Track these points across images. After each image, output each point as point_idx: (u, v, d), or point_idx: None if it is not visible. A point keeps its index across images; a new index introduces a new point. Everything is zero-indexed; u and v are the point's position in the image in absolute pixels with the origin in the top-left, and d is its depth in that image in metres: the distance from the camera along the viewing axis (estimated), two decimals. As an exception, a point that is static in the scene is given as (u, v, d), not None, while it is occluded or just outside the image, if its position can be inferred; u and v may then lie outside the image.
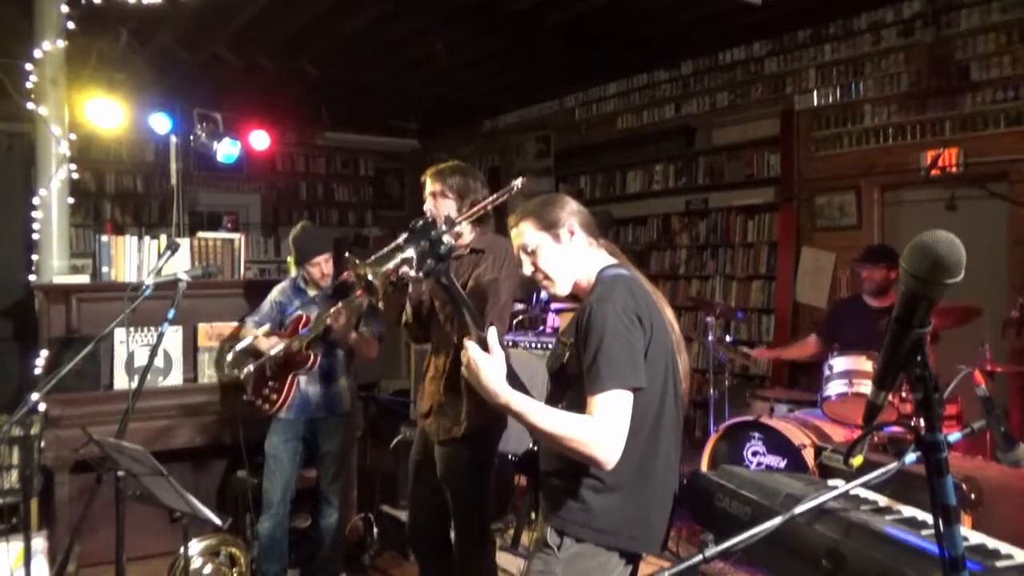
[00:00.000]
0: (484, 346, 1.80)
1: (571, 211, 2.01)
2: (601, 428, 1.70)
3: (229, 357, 3.62)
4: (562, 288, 2.00)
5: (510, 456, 1.79)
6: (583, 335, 1.80)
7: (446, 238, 2.01)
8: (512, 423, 2.07)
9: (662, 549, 1.96)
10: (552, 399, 1.91)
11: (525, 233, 2.01)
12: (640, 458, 1.82)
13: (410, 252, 1.97)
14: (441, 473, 2.75)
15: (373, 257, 2.02)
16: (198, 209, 8.89)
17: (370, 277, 1.97)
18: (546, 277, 2.01)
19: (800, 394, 4.95)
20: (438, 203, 2.72)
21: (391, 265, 1.98)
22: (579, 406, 1.76)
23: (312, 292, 3.67)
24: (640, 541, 1.85)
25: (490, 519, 2.90)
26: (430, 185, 2.76)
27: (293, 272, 3.96)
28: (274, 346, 3.43)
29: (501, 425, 2.79)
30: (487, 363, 1.77)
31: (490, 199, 2.38)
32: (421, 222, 1.99)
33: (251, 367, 3.44)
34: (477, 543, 2.78)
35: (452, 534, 2.82)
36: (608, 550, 1.82)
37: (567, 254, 1.99)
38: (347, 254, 2.45)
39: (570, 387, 1.87)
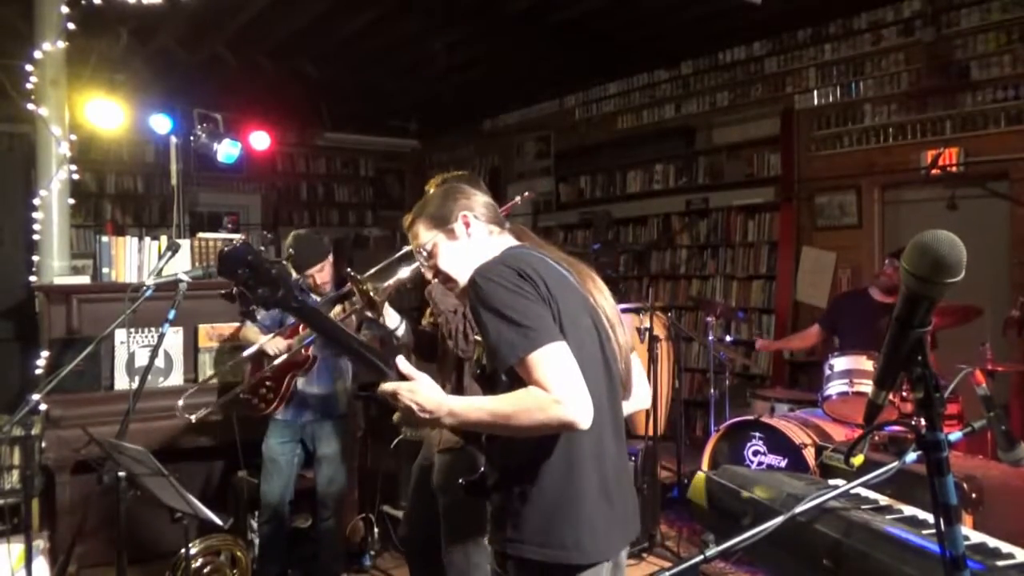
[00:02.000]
0: (403, 379, 1.62)
1: (464, 202, 1.82)
2: (551, 389, 1.48)
3: (229, 364, 3.61)
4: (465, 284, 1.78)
5: (460, 481, 1.70)
6: (475, 317, 1.62)
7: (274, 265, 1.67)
8: None
9: (650, 547, 1.87)
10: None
11: (419, 235, 1.84)
12: (565, 454, 1.61)
13: (406, 273, 1.93)
14: (437, 481, 2.75)
15: (373, 271, 2.03)
16: (198, 210, 8.89)
17: (372, 293, 1.98)
18: (448, 278, 1.83)
19: (801, 393, 4.95)
20: None
21: (391, 282, 1.97)
22: None
23: (314, 295, 3.66)
24: (585, 551, 1.60)
25: (483, 531, 2.87)
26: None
27: (293, 274, 3.95)
28: (280, 349, 3.44)
29: None
30: (417, 388, 1.59)
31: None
32: (227, 250, 1.59)
33: (247, 351, 3.42)
34: (468, 555, 2.74)
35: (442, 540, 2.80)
36: (552, 567, 1.60)
37: (465, 249, 1.80)
38: (349, 271, 2.46)
39: (498, 384, 1.65)
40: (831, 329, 4.58)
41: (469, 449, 2.19)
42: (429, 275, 1.90)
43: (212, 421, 3.96)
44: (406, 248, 1.94)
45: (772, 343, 5.59)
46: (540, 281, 1.61)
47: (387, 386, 1.62)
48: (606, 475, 1.66)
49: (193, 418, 3.11)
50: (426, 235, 1.83)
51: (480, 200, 1.86)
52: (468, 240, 1.81)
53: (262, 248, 1.66)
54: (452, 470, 2.69)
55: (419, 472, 2.92)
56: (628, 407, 1.88)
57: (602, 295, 1.79)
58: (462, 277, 1.80)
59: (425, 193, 2.72)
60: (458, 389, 2.68)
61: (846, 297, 4.84)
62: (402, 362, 1.63)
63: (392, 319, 2.72)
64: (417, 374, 1.63)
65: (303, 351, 3.45)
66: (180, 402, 3.13)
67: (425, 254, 1.84)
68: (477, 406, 1.59)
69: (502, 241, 1.83)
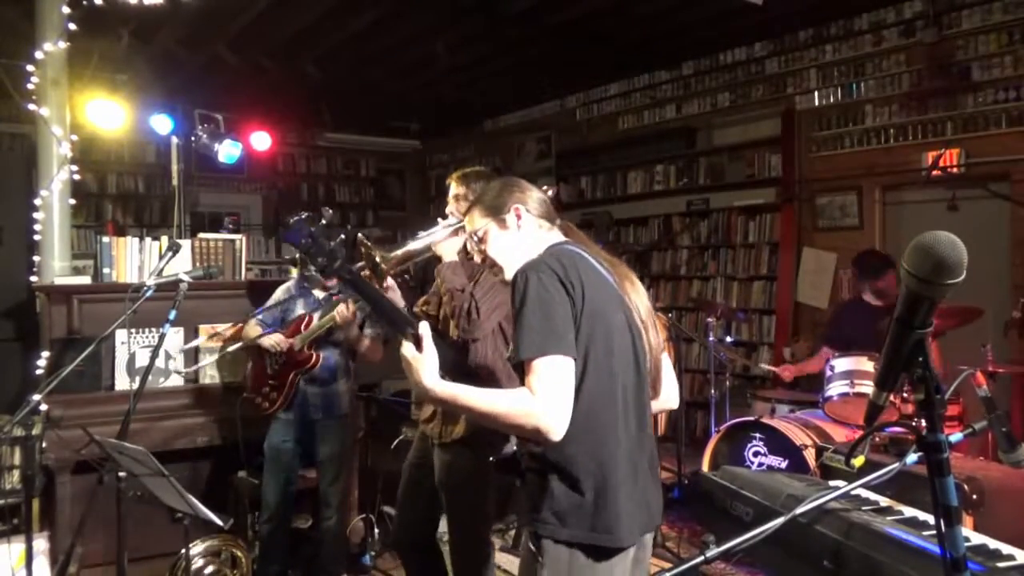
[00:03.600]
0: (419, 344, 1.73)
1: (519, 195, 1.95)
2: (538, 396, 1.61)
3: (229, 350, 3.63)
4: (511, 274, 1.87)
5: (490, 459, 1.73)
6: (512, 306, 1.74)
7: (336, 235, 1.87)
8: None
9: (655, 537, 1.90)
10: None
11: (473, 220, 1.98)
12: (594, 444, 1.72)
13: (417, 244, 1.98)
14: (440, 477, 2.72)
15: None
16: (199, 210, 8.90)
17: (378, 259, 2.01)
18: (494, 264, 1.96)
19: (801, 394, 4.94)
20: (460, 206, 2.72)
21: (399, 252, 1.99)
22: None
23: (317, 293, 3.67)
24: (615, 535, 1.72)
25: (488, 525, 2.87)
26: (454, 188, 2.78)
27: (295, 273, 3.96)
28: (280, 346, 3.45)
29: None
30: (417, 359, 1.70)
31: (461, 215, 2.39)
32: (301, 218, 1.83)
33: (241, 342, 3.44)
34: (474, 550, 2.74)
35: (447, 540, 2.78)
36: (584, 547, 1.71)
37: (513, 239, 1.92)
38: (359, 235, 2.48)
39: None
40: (838, 342, 4.56)
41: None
42: (478, 259, 2.02)
43: (212, 422, 3.97)
44: (431, 229, 2.00)
45: (795, 369, 5.39)
46: (578, 283, 1.72)
47: (406, 350, 1.73)
48: (636, 465, 1.78)
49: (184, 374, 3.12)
50: (480, 221, 1.97)
51: (534, 195, 1.97)
52: (518, 232, 1.93)
53: (326, 223, 1.82)
54: (455, 466, 2.69)
55: (411, 471, 2.88)
56: (656, 406, 1.97)
57: (638, 295, 1.90)
58: (508, 264, 1.93)
59: (446, 186, 2.79)
60: (455, 378, 2.67)
61: (844, 308, 4.81)
62: (424, 330, 1.73)
63: (394, 294, 2.74)
64: (429, 350, 1.72)
65: (305, 350, 3.45)
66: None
67: (476, 239, 1.97)
68: (467, 395, 1.69)
69: (550, 236, 1.94)
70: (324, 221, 1.85)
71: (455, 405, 1.72)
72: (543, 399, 1.60)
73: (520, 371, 1.69)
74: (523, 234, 1.92)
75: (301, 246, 1.76)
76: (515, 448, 1.91)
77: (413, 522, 2.87)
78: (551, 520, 1.73)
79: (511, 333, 2.51)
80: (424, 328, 1.74)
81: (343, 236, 1.84)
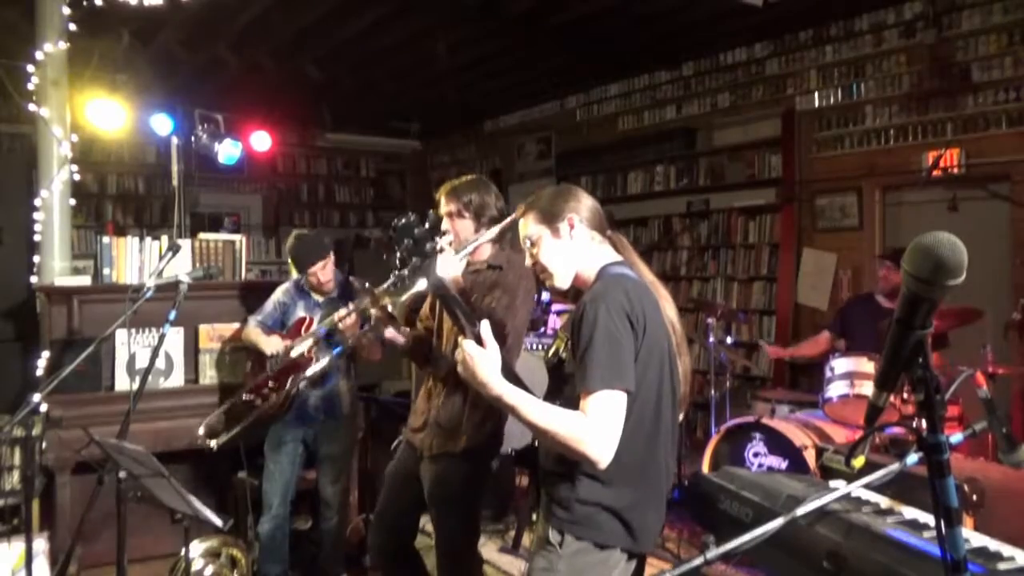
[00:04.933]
0: (479, 343, 1.80)
1: (574, 204, 1.99)
2: (593, 426, 1.70)
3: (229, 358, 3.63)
4: (561, 282, 1.99)
5: (510, 451, 1.75)
6: (576, 333, 1.81)
7: (433, 238, 1.97)
8: (511, 421, 2.05)
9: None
10: (551, 394, 1.91)
11: (528, 225, 2.02)
12: (637, 459, 1.82)
13: (424, 284, 1.95)
14: (429, 490, 2.65)
15: (386, 286, 2.07)
16: (199, 210, 8.89)
17: (391, 309, 2.03)
18: (544, 270, 2.01)
19: (801, 395, 4.94)
20: (455, 223, 2.64)
21: (408, 295, 2.03)
22: (576, 401, 1.76)
23: (316, 296, 3.66)
24: (638, 540, 1.85)
25: (477, 537, 2.82)
26: (445, 205, 2.67)
27: (295, 274, 3.96)
28: (279, 350, 3.44)
29: (496, 446, 2.73)
30: (481, 355, 1.77)
31: (509, 219, 2.37)
32: (403, 221, 1.94)
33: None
34: (462, 564, 2.70)
35: (434, 551, 2.71)
36: (607, 548, 1.82)
37: (565, 248, 1.97)
38: (367, 285, 2.47)
39: (567, 382, 1.87)
40: (840, 333, 4.57)
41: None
42: (529, 263, 2.04)
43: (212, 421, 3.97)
44: (416, 260, 1.97)
45: (783, 350, 5.44)
46: (642, 317, 1.81)
47: (468, 346, 1.79)
48: (659, 479, 1.90)
49: (214, 444, 3.14)
50: (533, 227, 2.00)
51: (587, 205, 2.01)
52: (570, 241, 1.97)
53: (425, 225, 1.94)
54: (445, 479, 2.62)
55: (395, 479, 2.82)
56: None
57: (676, 320, 1.99)
58: (558, 272, 1.98)
59: (436, 201, 2.74)
60: (453, 390, 2.63)
61: (854, 302, 4.82)
62: (485, 330, 1.81)
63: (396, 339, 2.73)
64: (491, 345, 1.79)
65: (306, 353, 3.44)
66: (201, 430, 3.23)
67: (529, 244, 2.01)
68: (528, 407, 1.74)
69: (602, 251, 2.00)
70: (428, 225, 1.93)
71: (510, 407, 1.76)
72: (599, 431, 1.70)
73: (566, 381, 1.79)
74: (575, 244, 1.97)
75: (403, 245, 1.85)
76: (533, 443, 1.98)
77: (396, 530, 2.80)
78: (579, 519, 1.82)
79: (509, 327, 2.52)
80: (485, 326, 1.80)
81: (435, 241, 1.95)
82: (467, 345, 1.79)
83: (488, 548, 4.20)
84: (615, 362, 1.73)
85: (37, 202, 4.20)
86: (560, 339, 1.89)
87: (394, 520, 2.80)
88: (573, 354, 1.83)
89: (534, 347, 4.86)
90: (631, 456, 1.79)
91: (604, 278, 1.92)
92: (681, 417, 2.08)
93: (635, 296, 1.83)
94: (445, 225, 2.67)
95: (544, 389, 2.02)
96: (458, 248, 2.53)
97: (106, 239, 4.16)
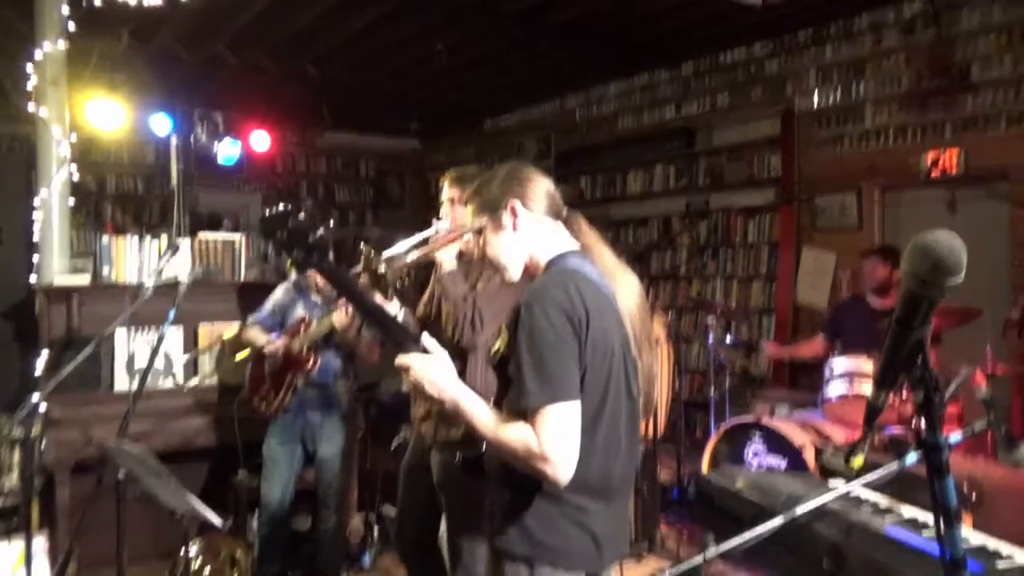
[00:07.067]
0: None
1: (518, 188, 1.80)
2: (545, 445, 1.54)
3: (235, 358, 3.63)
4: (513, 275, 1.81)
5: (456, 458, 1.66)
6: (514, 335, 1.64)
7: (314, 228, 1.80)
8: None
9: (650, 548, 1.90)
10: (498, 391, 1.78)
11: (469, 215, 1.85)
12: (583, 471, 1.62)
13: (417, 254, 1.93)
14: (438, 478, 2.69)
15: (389, 253, 2.02)
16: (198, 210, 8.87)
17: (382, 269, 1.97)
18: (491, 264, 1.85)
19: (801, 395, 4.94)
20: (455, 210, 2.62)
21: (408, 260, 1.97)
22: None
23: (315, 296, 3.66)
24: (592, 559, 1.67)
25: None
26: (447, 190, 2.66)
27: (294, 274, 3.95)
28: (276, 349, 3.44)
29: None
30: (424, 362, 1.64)
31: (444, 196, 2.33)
32: (272, 212, 1.78)
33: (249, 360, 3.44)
34: (474, 551, 2.64)
35: (444, 539, 2.76)
36: (554, 569, 1.64)
37: (511, 238, 1.79)
38: (362, 243, 2.43)
39: (512, 382, 1.67)
40: (834, 337, 4.57)
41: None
42: (478, 256, 1.90)
43: (212, 421, 3.97)
44: (424, 232, 1.93)
45: (780, 349, 5.47)
46: (584, 316, 1.61)
47: (403, 358, 1.65)
48: (620, 492, 1.74)
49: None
50: (476, 220, 1.84)
51: (536, 187, 1.83)
52: (513, 232, 1.79)
53: (307, 216, 1.76)
54: (452, 467, 2.67)
55: (409, 473, 2.85)
56: None
57: (637, 312, 1.79)
58: (508, 264, 1.81)
59: (439, 187, 2.70)
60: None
61: (845, 304, 4.83)
62: (427, 338, 1.68)
63: (392, 306, 2.71)
64: (438, 350, 1.67)
65: (304, 352, 3.45)
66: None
67: (473, 236, 1.86)
68: (479, 415, 1.63)
69: (554, 238, 1.81)
70: (303, 214, 1.76)
71: (461, 413, 1.64)
72: (552, 450, 1.54)
73: (512, 379, 1.62)
74: (520, 234, 1.79)
75: (276, 239, 1.69)
76: (484, 448, 1.79)
77: (415, 524, 2.85)
78: (520, 537, 1.66)
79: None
80: (426, 335, 1.69)
81: (323, 231, 1.76)
82: (403, 358, 1.65)
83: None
84: (556, 371, 1.57)
85: (36, 202, 4.20)
86: (502, 337, 1.76)
87: (412, 514, 2.85)
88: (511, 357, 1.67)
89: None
90: (578, 468, 1.61)
91: (549, 271, 1.75)
92: (657, 421, 1.96)
93: (578, 293, 1.63)
94: (444, 211, 2.66)
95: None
96: (454, 236, 2.51)
97: (105, 238, 4.16)
